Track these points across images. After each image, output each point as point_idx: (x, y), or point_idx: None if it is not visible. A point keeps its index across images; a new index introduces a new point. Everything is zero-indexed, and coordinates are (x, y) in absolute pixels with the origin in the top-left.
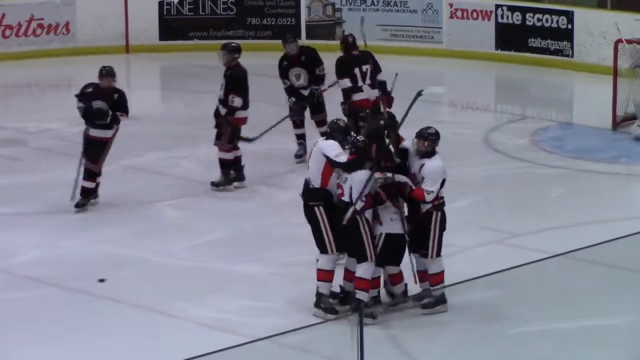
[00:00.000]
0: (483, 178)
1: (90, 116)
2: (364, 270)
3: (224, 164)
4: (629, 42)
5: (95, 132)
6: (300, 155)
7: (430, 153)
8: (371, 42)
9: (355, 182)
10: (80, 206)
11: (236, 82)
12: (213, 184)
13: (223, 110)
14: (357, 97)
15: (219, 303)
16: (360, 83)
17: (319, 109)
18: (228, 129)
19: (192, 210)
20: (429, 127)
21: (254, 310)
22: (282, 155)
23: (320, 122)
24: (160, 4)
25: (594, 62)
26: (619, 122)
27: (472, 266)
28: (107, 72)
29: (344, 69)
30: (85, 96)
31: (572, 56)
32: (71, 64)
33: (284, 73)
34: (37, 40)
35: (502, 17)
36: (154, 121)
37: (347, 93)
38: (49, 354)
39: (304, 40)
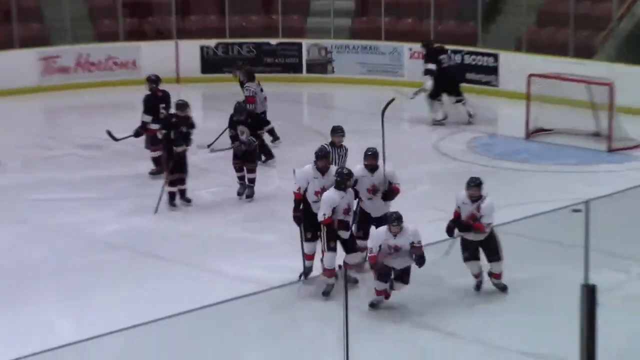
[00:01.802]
0: (432, 173)
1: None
2: None
3: (153, 160)
4: (540, 76)
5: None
6: (241, 194)
7: (481, 196)
8: (353, 75)
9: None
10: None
11: (144, 103)
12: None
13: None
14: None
15: (246, 262)
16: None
17: (252, 159)
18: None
19: (225, 196)
20: (476, 178)
21: (271, 268)
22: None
23: (250, 169)
24: (202, 48)
25: (513, 90)
26: (531, 133)
27: (423, 236)
28: (183, 104)
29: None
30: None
31: (498, 86)
32: (136, 90)
33: (234, 126)
34: (111, 74)
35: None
36: (199, 131)
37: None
38: (117, 297)
39: (304, 74)
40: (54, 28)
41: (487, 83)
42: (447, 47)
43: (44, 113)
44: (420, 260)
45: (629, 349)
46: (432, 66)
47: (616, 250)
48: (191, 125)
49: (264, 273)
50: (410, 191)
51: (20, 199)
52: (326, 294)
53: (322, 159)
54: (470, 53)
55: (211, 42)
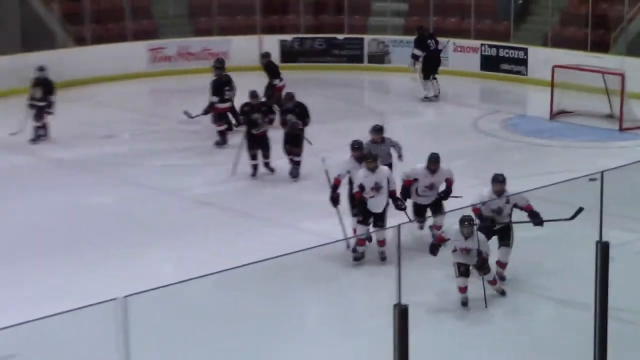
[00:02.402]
0: (472, 147)
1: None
2: None
3: (219, 133)
4: (563, 67)
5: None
6: (291, 173)
7: (505, 190)
8: (404, 64)
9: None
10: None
11: (211, 86)
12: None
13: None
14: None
15: (312, 218)
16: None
17: (298, 144)
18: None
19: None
20: (500, 174)
21: (331, 224)
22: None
23: (296, 153)
24: (281, 41)
25: (539, 78)
26: (554, 115)
27: (468, 201)
28: (253, 94)
29: (278, 71)
30: (243, 111)
31: (527, 75)
32: None
33: (284, 114)
34: (207, 62)
35: (485, 51)
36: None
37: (274, 86)
38: (205, 246)
39: (366, 64)
40: (160, 24)
41: (518, 72)
42: (484, 42)
43: (151, 94)
44: (483, 268)
45: (636, 295)
46: (417, 52)
47: (626, 213)
48: (269, 111)
49: (335, 228)
50: (453, 162)
51: (128, 165)
52: (357, 259)
53: (356, 150)
54: (504, 47)
55: (289, 37)
